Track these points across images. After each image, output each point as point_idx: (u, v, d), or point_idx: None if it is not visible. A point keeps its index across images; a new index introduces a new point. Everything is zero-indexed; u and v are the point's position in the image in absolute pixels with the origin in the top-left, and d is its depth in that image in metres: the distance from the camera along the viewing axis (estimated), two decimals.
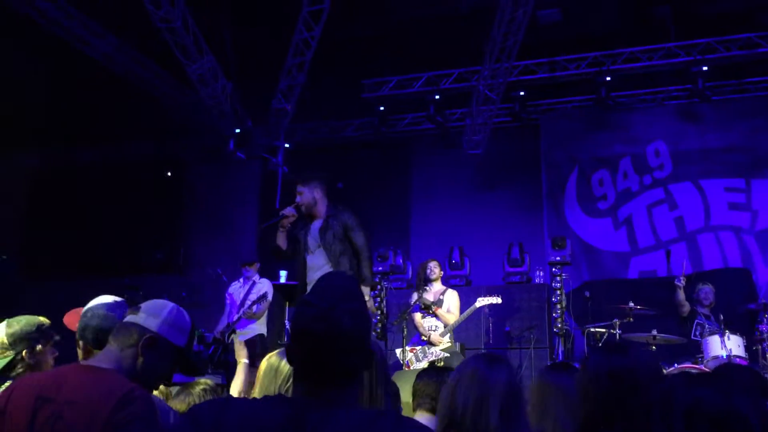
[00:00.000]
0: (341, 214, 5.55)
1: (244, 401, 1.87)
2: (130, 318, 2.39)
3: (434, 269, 7.45)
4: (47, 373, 2.50)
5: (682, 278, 7.54)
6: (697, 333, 7.10)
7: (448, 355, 7.02)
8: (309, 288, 5.12)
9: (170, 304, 2.46)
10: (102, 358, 2.35)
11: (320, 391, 1.68)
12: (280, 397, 1.78)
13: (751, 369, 3.83)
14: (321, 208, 5.61)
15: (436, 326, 7.27)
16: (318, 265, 5.54)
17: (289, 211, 5.55)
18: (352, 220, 5.52)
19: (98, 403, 2.14)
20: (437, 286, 7.45)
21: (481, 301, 7.38)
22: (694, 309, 7.37)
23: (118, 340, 2.35)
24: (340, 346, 1.67)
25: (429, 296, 7.30)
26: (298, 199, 5.61)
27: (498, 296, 7.46)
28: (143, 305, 2.43)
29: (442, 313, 7.27)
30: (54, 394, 2.19)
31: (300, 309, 1.75)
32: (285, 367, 2.41)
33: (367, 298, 5.23)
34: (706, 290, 7.46)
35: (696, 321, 7.26)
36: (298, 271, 5.78)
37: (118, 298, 2.84)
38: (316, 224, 5.60)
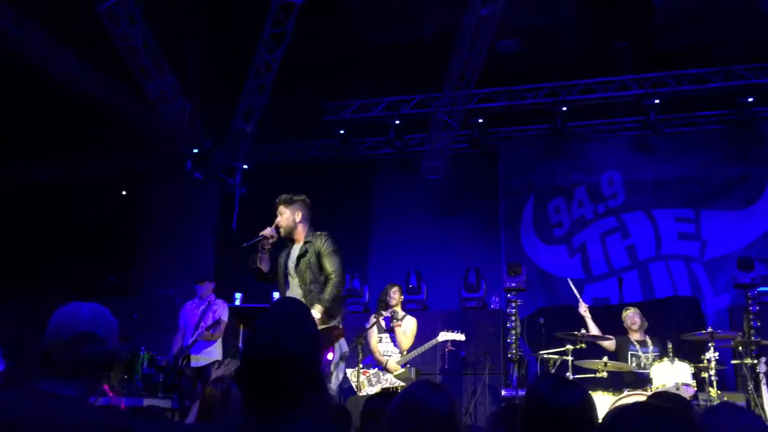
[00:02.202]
0: (317, 240, 5.46)
1: (188, 426, 1.88)
2: None
3: (393, 295, 7.41)
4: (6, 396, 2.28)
5: (582, 305, 7.50)
6: (633, 364, 7.13)
7: (404, 383, 6.94)
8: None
9: None
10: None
11: (267, 414, 1.70)
12: (227, 421, 1.79)
13: (680, 396, 3.90)
14: (301, 231, 5.53)
15: (392, 352, 7.24)
16: (294, 290, 5.49)
17: (269, 232, 5.41)
18: (326, 245, 5.41)
19: None
20: (398, 311, 7.42)
21: (444, 336, 7.31)
22: (625, 338, 7.36)
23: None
24: (288, 370, 1.71)
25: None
26: (277, 219, 5.52)
27: (462, 333, 7.34)
28: None
29: (399, 333, 7.23)
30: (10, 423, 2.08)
31: (251, 335, 1.79)
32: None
33: (318, 315, 5.14)
34: (630, 315, 7.39)
35: (629, 352, 7.19)
36: (281, 294, 5.70)
37: None
38: (296, 249, 5.55)
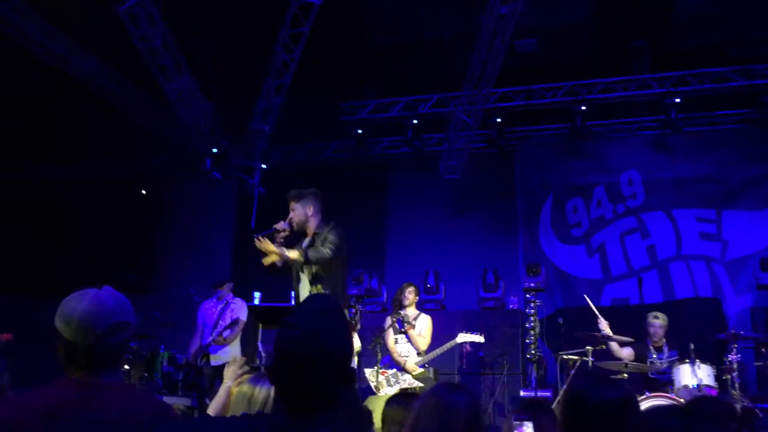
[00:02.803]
0: (325, 230, 5.48)
1: (221, 419, 1.89)
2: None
3: (408, 295, 7.41)
4: (41, 392, 2.27)
5: (602, 322, 7.15)
6: (653, 370, 6.96)
7: (422, 384, 6.93)
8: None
9: None
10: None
11: (301, 410, 1.70)
12: (260, 415, 1.79)
13: (723, 402, 3.85)
14: (312, 225, 5.55)
15: (410, 352, 7.24)
16: (305, 283, 5.51)
17: (281, 225, 5.45)
18: (332, 235, 5.42)
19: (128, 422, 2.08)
20: (411, 311, 7.43)
21: (463, 337, 7.30)
22: (643, 344, 7.23)
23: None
24: (322, 367, 1.71)
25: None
26: (290, 215, 5.54)
27: (480, 334, 7.34)
28: None
29: (413, 334, 7.23)
30: (62, 416, 2.07)
31: (283, 331, 1.78)
32: (259, 394, 2.39)
33: (293, 254, 5.28)
34: (657, 326, 7.18)
35: (648, 360, 7.05)
36: (293, 288, 5.73)
37: None
38: (307, 241, 5.57)
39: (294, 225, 5.52)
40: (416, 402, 2.55)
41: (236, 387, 2.51)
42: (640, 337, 7.37)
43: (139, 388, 2.24)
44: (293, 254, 5.33)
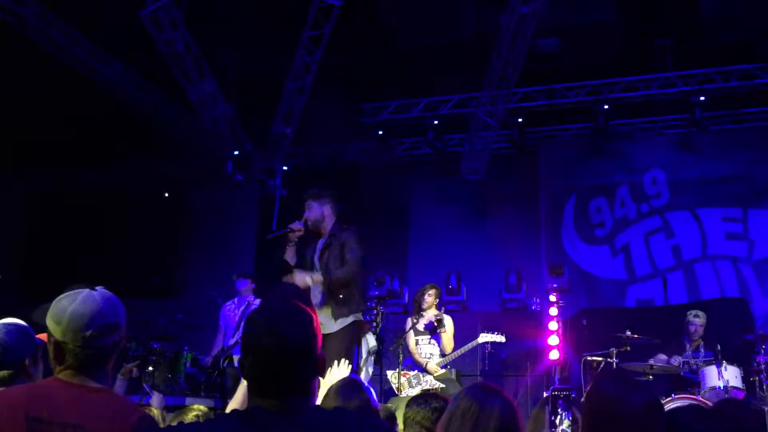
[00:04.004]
0: (343, 233, 5.50)
1: (195, 424, 1.94)
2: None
3: (428, 298, 7.31)
4: (27, 389, 2.26)
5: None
6: (686, 368, 6.93)
7: (444, 385, 6.89)
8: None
9: None
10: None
11: (276, 402, 1.74)
12: (235, 413, 1.84)
13: (755, 408, 3.78)
14: (327, 225, 5.58)
15: (431, 353, 7.20)
16: (318, 288, 5.53)
17: (296, 225, 5.47)
18: (351, 238, 5.45)
19: (111, 430, 2.06)
20: (431, 312, 7.35)
21: (485, 337, 7.23)
22: (678, 343, 7.18)
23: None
24: (288, 357, 1.75)
25: (422, 323, 7.24)
26: (306, 213, 5.57)
27: (502, 334, 7.27)
28: None
29: (446, 338, 7.16)
30: (46, 415, 2.07)
31: (248, 325, 1.83)
32: None
33: (308, 279, 5.31)
34: (697, 324, 7.19)
35: (682, 360, 7.01)
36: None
37: (20, 322, 2.72)
38: (321, 242, 5.60)
39: (309, 223, 5.55)
40: (449, 404, 2.53)
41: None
42: (665, 339, 7.29)
43: (122, 396, 2.24)
44: (317, 278, 5.39)
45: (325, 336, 5.04)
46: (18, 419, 2.05)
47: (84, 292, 2.26)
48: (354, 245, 5.41)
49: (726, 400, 4.46)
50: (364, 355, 5.85)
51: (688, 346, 7.10)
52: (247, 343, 1.80)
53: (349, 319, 5.34)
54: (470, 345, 7.22)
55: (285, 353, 1.74)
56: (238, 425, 1.71)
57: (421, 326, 7.27)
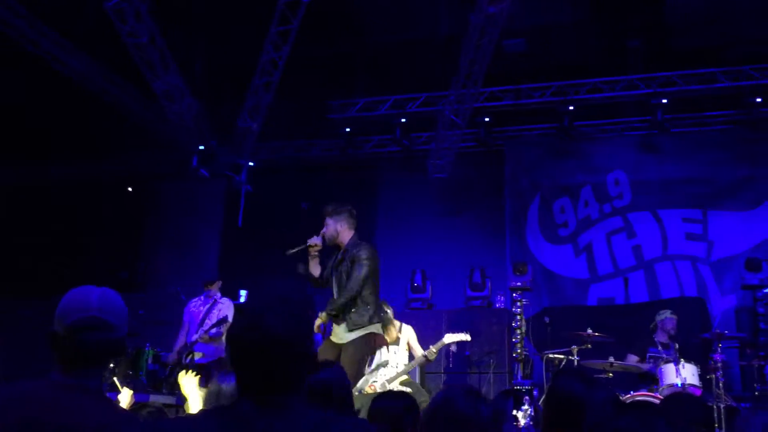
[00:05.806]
0: (355, 248, 5.54)
1: (177, 418, 1.88)
2: None
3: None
4: (18, 389, 2.17)
5: None
6: (650, 364, 7.02)
7: (410, 389, 6.82)
8: None
9: None
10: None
11: (263, 399, 1.69)
12: (220, 409, 1.79)
13: (697, 400, 3.88)
14: (344, 239, 5.62)
15: (397, 363, 7.11)
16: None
17: (313, 240, 5.59)
18: (362, 253, 5.49)
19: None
20: (392, 329, 7.10)
21: (450, 338, 7.21)
22: (650, 340, 7.30)
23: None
24: (274, 352, 1.69)
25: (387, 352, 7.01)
26: (324, 230, 5.65)
27: (467, 333, 7.24)
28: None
29: (416, 348, 7.15)
30: (36, 417, 2.02)
31: (234, 319, 1.81)
32: (227, 389, 2.41)
33: (317, 321, 5.37)
34: (669, 321, 7.27)
35: (648, 354, 7.13)
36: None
37: None
38: (338, 256, 5.67)
39: (326, 239, 5.64)
40: (428, 407, 2.52)
41: (207, 389, 2.52)
42: (624, 338, 7.40)
43: (111, 400, 2.18)
44: (322, 318, 5.44)
45: (341, 346, 5.33)
46: (8, 421, 2.01)
47: (87, 287, 2.22)
48: (362, 262, 5.45)
49: (671, 395, 4.55)
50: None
51: (659, 343, 7.22)
52: (231, 337, 1.74)
53: (363, 332, 5.40)
54: (437, 346, 7.14)
55: (267, 347, 1.68)
56: (220, 421, 1.67)
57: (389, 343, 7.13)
